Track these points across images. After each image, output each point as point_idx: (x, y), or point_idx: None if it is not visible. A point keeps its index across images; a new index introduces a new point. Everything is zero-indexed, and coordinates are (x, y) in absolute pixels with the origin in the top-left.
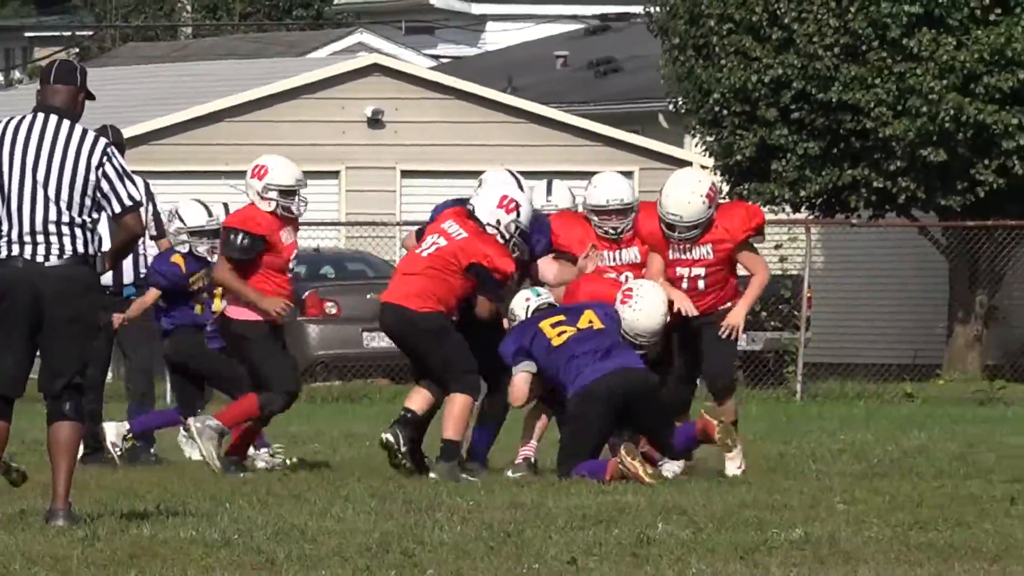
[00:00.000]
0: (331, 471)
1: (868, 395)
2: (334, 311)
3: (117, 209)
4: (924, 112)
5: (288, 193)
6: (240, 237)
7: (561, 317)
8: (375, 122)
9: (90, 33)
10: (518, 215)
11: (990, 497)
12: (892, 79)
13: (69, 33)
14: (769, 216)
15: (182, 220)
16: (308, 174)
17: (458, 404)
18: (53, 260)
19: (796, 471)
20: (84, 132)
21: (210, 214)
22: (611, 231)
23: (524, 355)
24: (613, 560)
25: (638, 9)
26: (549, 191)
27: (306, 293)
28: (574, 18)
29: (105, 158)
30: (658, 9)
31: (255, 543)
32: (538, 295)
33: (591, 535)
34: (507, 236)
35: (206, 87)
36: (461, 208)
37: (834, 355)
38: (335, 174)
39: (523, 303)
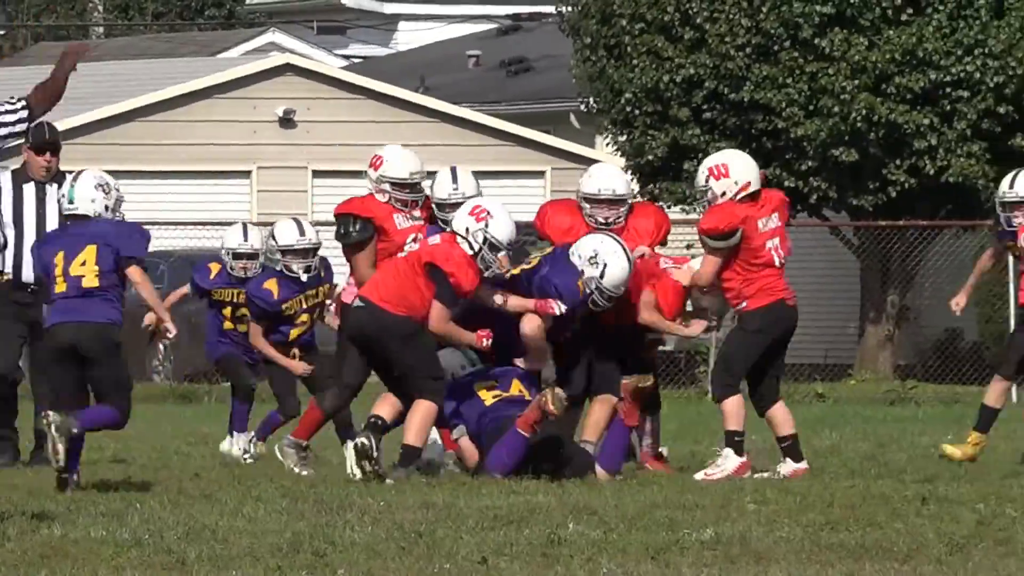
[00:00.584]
0: (243, 471)
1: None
2: None
3: (13, 118)
4: (836, 112)
5: (401, 186)
6: (351, 222)
7: (494, 382)
8: (287, 122)
9: (1, 32)
10: (487, 225)
11: (901, 497)
12: (804, 79)
13: None
14: (681, 216)
15: (275, 238)
16: (219, 174)
17: (422, 410)
18: None
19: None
20: None
21: (302, 233)
22: (601, 221)
23: (457, 417)
24: (524, 560)
25: (550, 9)
26: (454, 179)
27: None
28: (486, 18)
29: None
30: (570, 9)
31: (166, 543)
32: (472, 363)
33: (502, 535)
34: (475, 246)
35: (118, 87)
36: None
37: None
38: (247, 174)
39: (457, 369)
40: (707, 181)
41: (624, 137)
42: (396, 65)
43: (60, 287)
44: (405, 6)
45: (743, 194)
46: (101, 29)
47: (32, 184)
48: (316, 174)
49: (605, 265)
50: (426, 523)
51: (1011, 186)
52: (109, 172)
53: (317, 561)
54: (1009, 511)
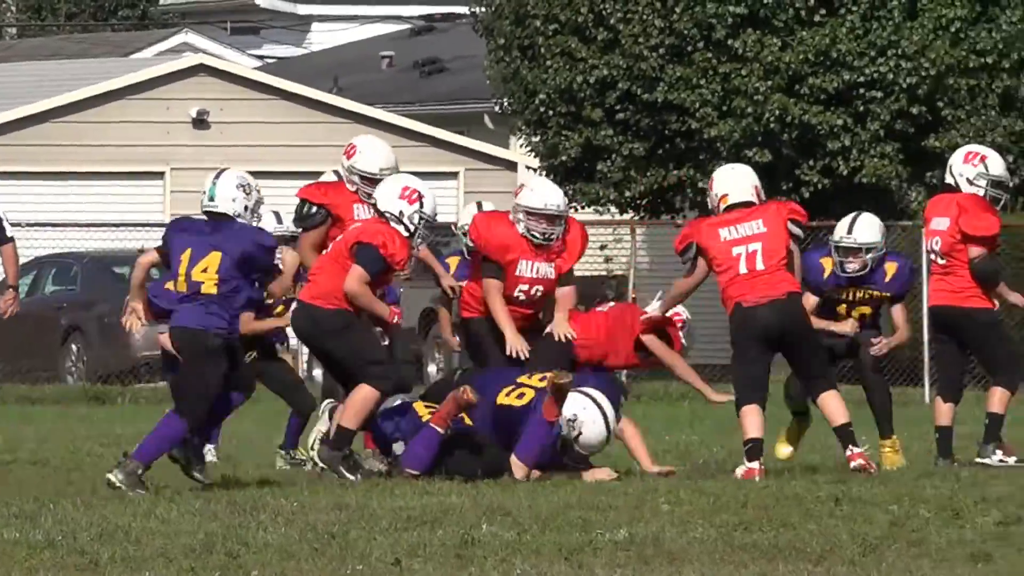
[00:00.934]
0: (155, 472)
1: (693, 396)
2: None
3: None
4: (749, 113)
5: (370, 180)
6: (300, 206)
7: (434, 404)
8: (200, 122)
9: None
10: (421, 205)
11: (815, 498)
12: (717, 80)
13: None
14: (594, 217)
15: None
16: (133, 175)
17: (362, 394)
18: None
19: (621, 472)
20: None
21: (279, 221)
22: (538, 235)
23: (397, 432)
24: (438, 561)
25: (463, 10)
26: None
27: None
28: (400, 19)
29: None
30: (483, 9)
31: (79, 544)
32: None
33: (415, 536)
34: (411, 228)
35: (32, 87)
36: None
37: None
38: (160, 175)
39: (391, 402)
40: None
41: (538, 138)
42: (309, 66)
43: (181, 286)
44: (318, 7)
45: (723, 206)
46: (14, 30)
47: None
48: None
49: (580, 433)
50: (339, 524)
51: (849, 231)
52: (23, 173)
53: (230, 562)
54: (922, 512)
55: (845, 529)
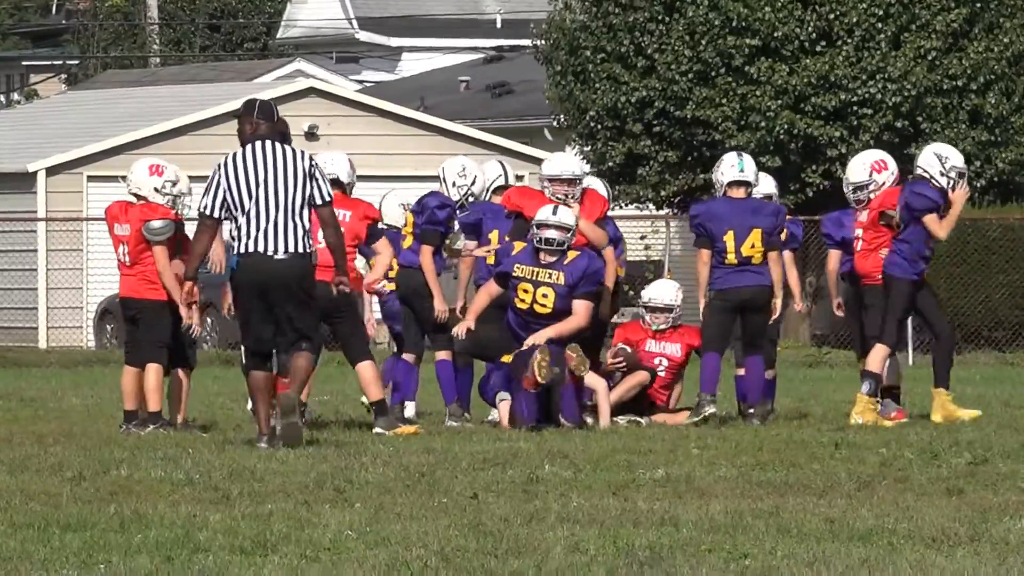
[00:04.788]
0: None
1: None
2: None
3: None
4: (762, 127)
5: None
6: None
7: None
8: (311, 135)
9: (76, 62)
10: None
11: (818, 443)
12: (736, 99)
13: (59, 62)
14: (635, 212)
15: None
16: None
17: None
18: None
19: (658, 422)
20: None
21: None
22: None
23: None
24: (508, 496)
25: (527, 42)
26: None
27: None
28: (475, 49)
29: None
30: (543, 42)
31: (213, 482)
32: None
33: (490, 475)
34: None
35: (172, 107)
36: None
37: None
38: None
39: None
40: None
41: (588, 148)
42: (401, 88)
43: None
44: (408, 40)
45: None
46: (158, 59)
47: None
48: None
49: None
50: (427, 465)
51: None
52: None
53: (337, 496)
54: (907, 454)
55: (843, 468)
